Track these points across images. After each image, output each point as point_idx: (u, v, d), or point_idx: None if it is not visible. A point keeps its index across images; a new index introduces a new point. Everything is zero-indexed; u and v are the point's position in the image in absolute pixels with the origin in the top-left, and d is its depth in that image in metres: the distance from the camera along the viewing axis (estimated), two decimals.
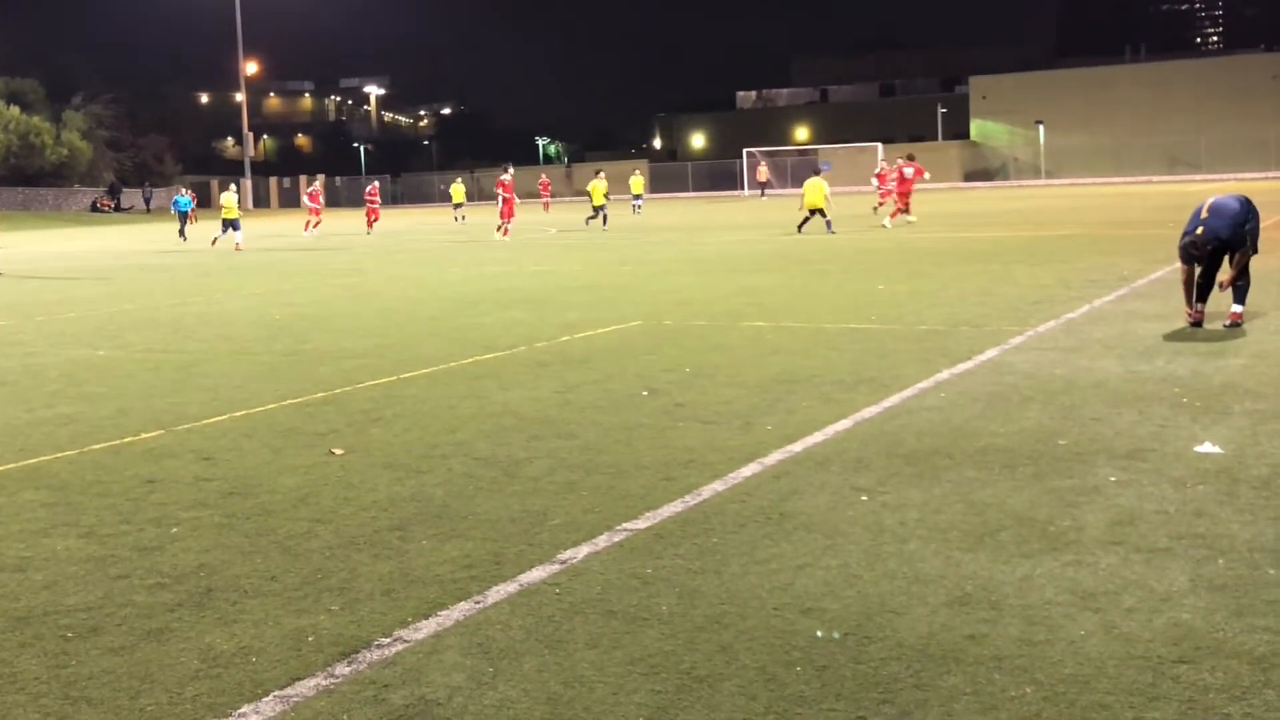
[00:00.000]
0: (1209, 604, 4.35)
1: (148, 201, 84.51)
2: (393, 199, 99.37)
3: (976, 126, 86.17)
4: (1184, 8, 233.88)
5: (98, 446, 7.77)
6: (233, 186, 37.31)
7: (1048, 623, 4.24)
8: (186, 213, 41.20)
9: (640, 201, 50.53)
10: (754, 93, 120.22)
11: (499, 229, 33.39)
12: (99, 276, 25.67)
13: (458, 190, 51.15)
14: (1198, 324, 10.75)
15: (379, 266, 24.99)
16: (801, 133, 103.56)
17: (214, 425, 8.35)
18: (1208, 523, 5.26)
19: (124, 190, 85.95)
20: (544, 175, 46.48)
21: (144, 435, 8.07)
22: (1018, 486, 5.94)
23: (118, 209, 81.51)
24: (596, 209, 38.44)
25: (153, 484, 6.72)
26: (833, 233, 27.83)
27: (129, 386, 10.25)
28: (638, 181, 52.41)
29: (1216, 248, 10.55)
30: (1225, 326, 10.67)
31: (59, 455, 7.55)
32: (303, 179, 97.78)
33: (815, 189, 28.77)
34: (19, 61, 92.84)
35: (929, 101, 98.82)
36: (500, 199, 34.32)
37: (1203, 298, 10.83)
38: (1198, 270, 10.75)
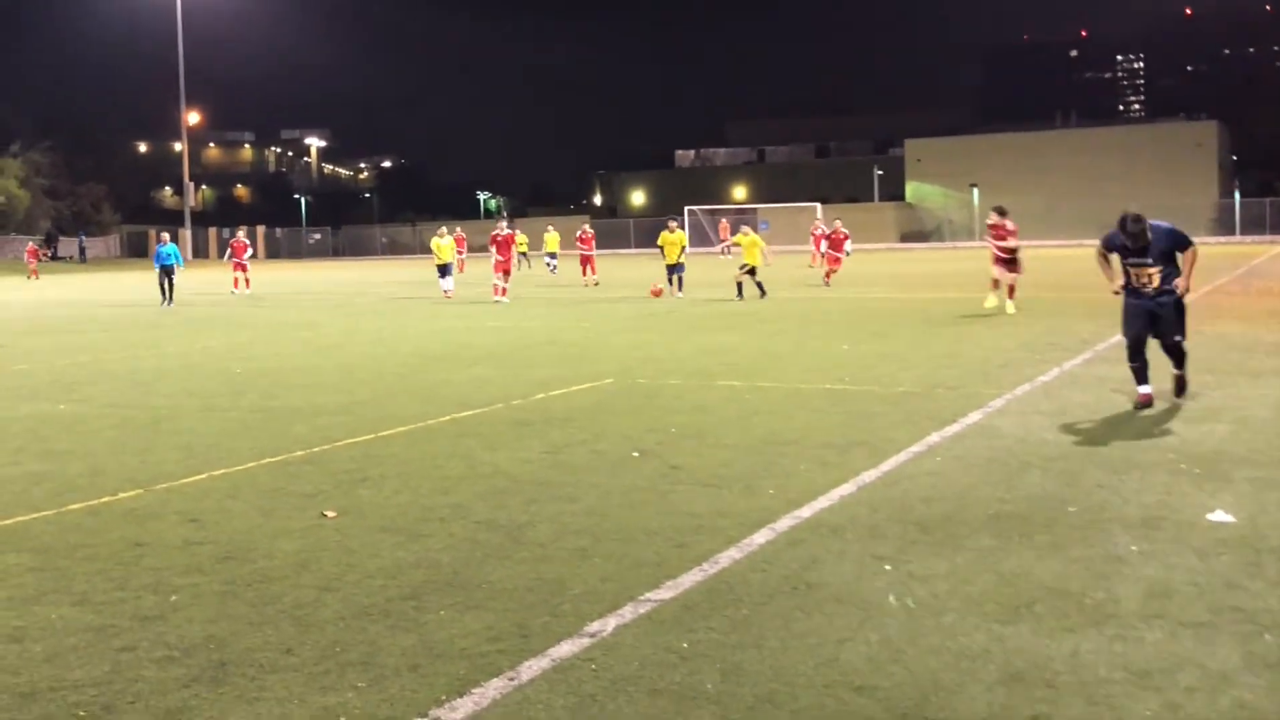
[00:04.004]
0: (1269, 683, 4.22)
1: (82, 251, 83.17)
2: (333, 251, 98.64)
3: (912, 189, 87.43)
4: (1106, 76, 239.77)
5: (75, 506, 7.42)
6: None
7: (1109, 702, 4.09)
8: (172, 266, 31.23)
9: (555, 261, 44.54)
10: (692, 152, 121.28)
11: (499, 289, 28.49)
12: (44, 328, 25.05)
13: (552, 239, 45.04)
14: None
15: (331, 320, 24.61)
16: (739, 191, 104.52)
17: (194, 485, 8.03)
18: (1242, 596, 5.16)
19: (60, 239, 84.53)
20: (587, 226, 39.20)
21: (122, 495, 7.73)
22: (1041, 556, 5.81)
23: (54, 258, 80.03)
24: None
25: (141, 547, 6.40)
26: (755, 296, 25.91)
27: (97, 443, 9.87)
28: (553, 238, 45.57)
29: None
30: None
31: (36, 515, 7.20)
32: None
33: (752, 245, 26.78)
34: None
35: (864, 163, 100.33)
36: (494, 256, 29.26)
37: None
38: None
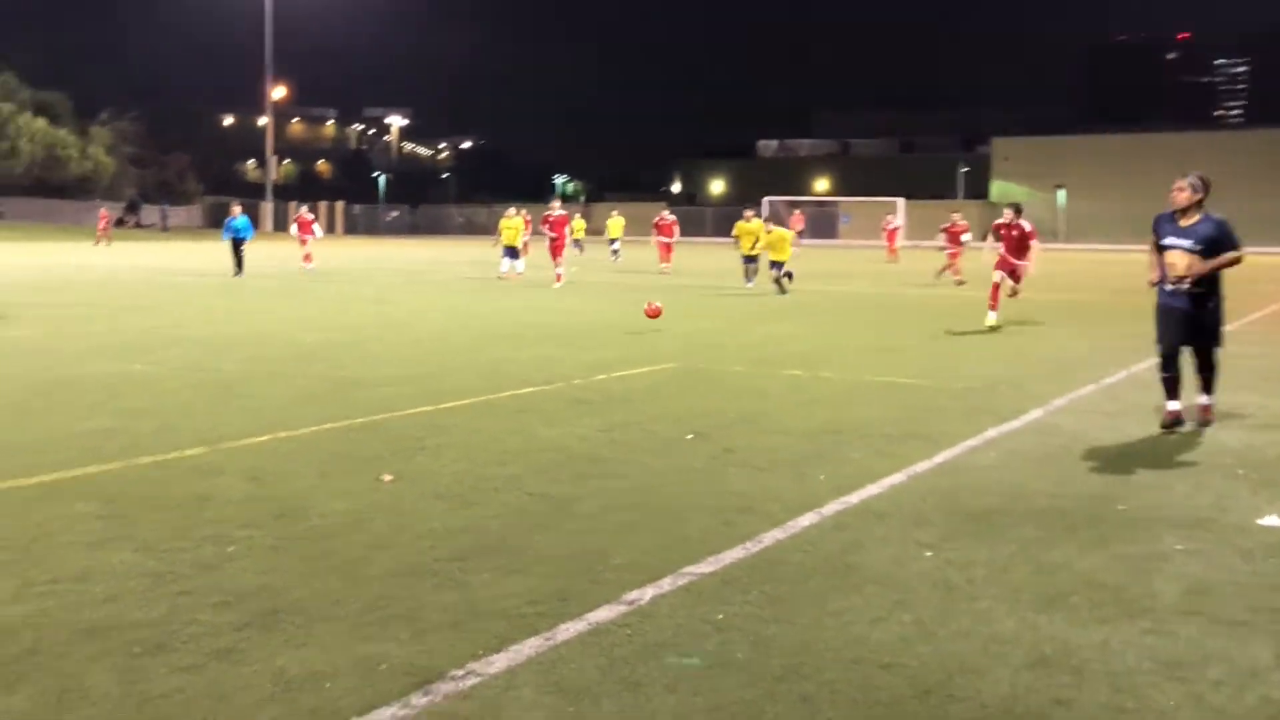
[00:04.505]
0: None
1: (165, 219, 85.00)
2: (409, 229, 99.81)
3: (997, 187, 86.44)
4: (1205, 80, 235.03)
5: (144, 460, 7.73)
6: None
7: (1134, 691, 4.17)
8: (242, 238, 31.57)
9: (618, 246, 43.59)
10: (775, 142, 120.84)
11: (560, 274, 28.28)
12: (122, 292, 25.75)
13: (616, 224, 44.31)
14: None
15: (402, 296, 25.02)
16: (822, 184, 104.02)
17: (258, 445, 8.31)
18: None
19: (143, 207, 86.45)
20: (666, 212, 37.99)
21: (189, 451, 8.03)
22: (1083, 550, 5.87)
23: (137, 225, 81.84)
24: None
25: (204, 501, 6.68)
26: (784, 292, 24.96)
27: (169, 403, 10.22)
28: (616, 224, 44.60)
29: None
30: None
31: (106, 468, 7.51)
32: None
33: (783, 238, 26.04)
34: (47, 74, 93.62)
35: (949, 160, 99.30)
36: (549, 237, 29.12)
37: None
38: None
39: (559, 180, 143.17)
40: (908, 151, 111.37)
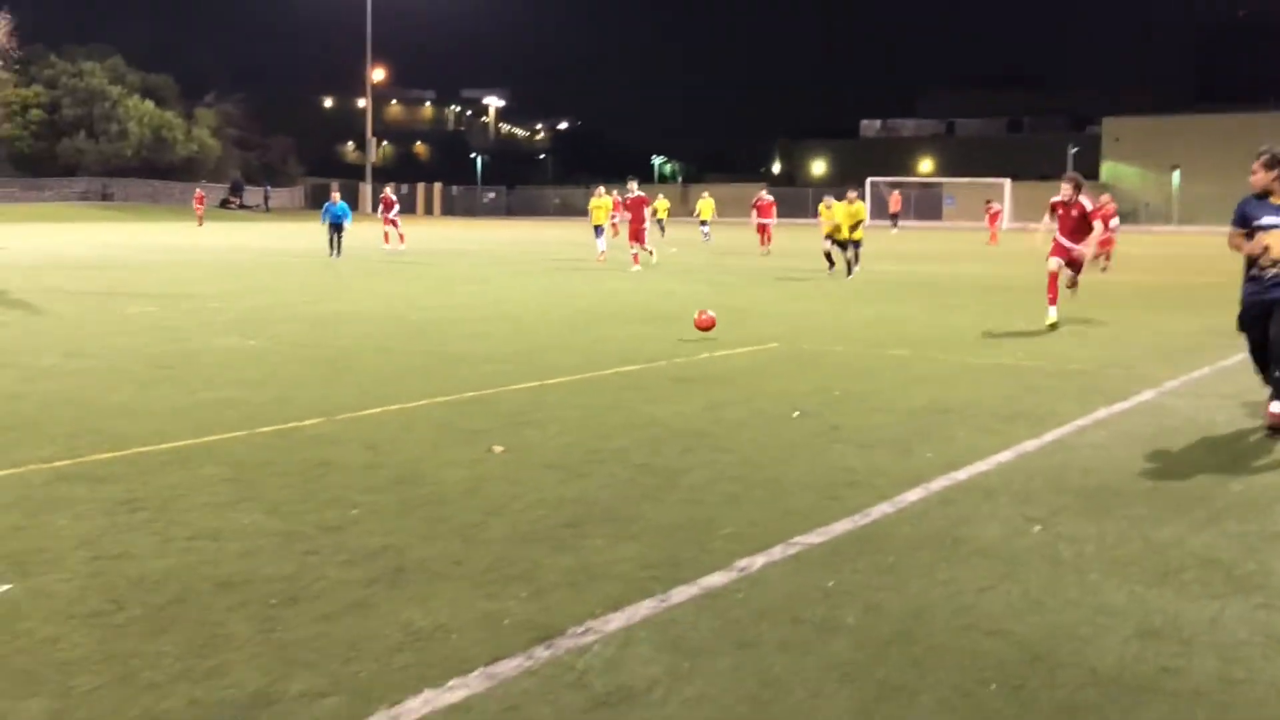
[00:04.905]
0: None
1: (267, 200, 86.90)
2: (506, 210, 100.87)
3: (1108, 168, 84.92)
4: None
5: (265, 429, 8.09)
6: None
7: (1245, 662, 4.25)
8: (341, 223, 31.99)
9: (708, 228, 43.75)
10: (878, 122, 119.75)
11: (636, 255, 27.79)
12: (231, 271, 26.52)
13: (706, 205, 44.14)
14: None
15: (500, 276, 25.43)
16: (925, 164, 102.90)
17: (372, 416, 8.63)
18: None
19: (246, 189, 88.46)
20: (765, 192, 37.34)
21: (307, 421, 8.38)
22: (1195, 528, 5.92)
23: (241, 207, 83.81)
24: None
25: (324, 467, 6.99)
26: (850, 275, 24.62)
27: (283, 375, 10.62)
28: (707, 205, 44.21)
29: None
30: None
31: (230, 435, 7.88)
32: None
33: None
34: (154, 57, 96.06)
35: (1058, 140, 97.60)
36: (625, 218, 29.40)
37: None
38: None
39: (657, 161, 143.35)
40: (1015, 131, 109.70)
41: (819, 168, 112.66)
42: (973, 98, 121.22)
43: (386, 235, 36.66)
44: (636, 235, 27.68)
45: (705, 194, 47.05)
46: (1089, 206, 15.33)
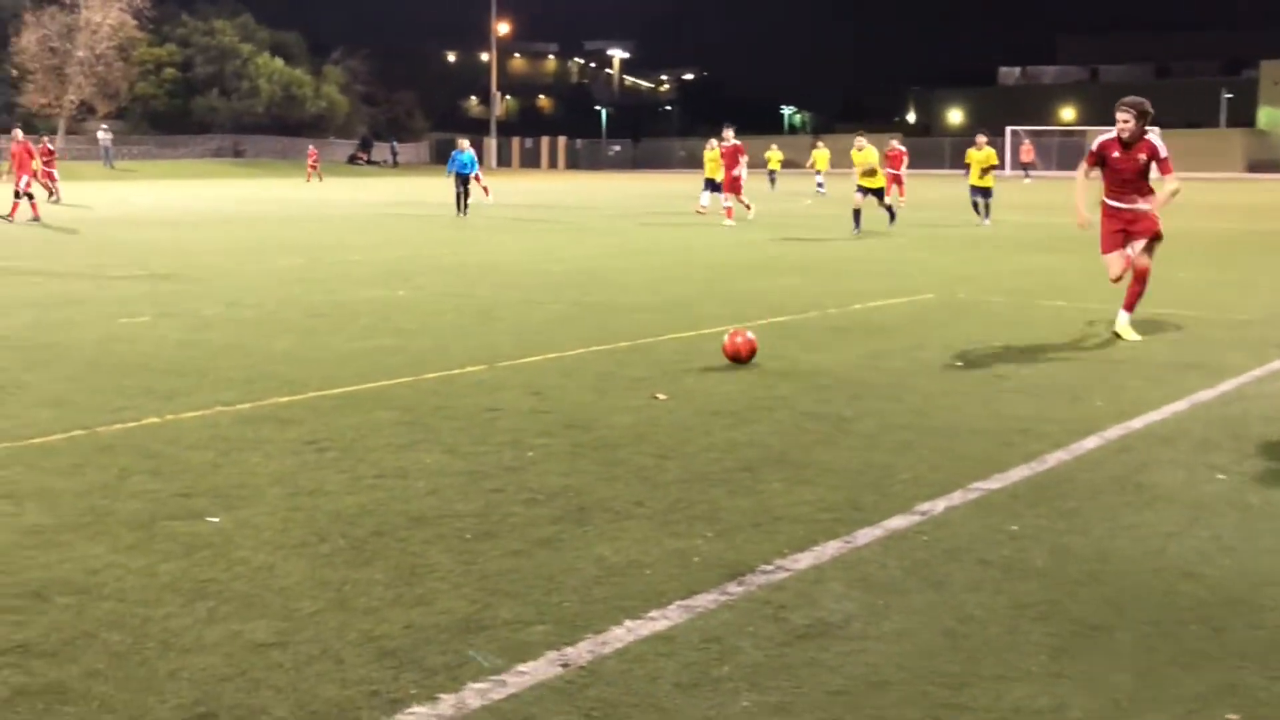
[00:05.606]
0: None
1: (394, 156, 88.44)
2: (632, 163, 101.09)
3: (1265, 114, 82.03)
4: None
5: (430, 376, 8.38)
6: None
7: None
8: (468, 175, 30.29)
9: (822, 179, 42.66)
10: (1017, 69, 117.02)
11: (730, 208, 26.42)
12: (368, 224, 27.17)
13: (822, 157, 43.14)
14: None
15: (633, 228, 25.62)
16: (1068, 113, 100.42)
17: (531, 364, 8.88)
18: None
19: (374, 144, 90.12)
20: (895, 141, 34.94)
21: (469, 368, 8.65)
22: None
23: (369, 162, 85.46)
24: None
25: (493, 412, 7.23)
26: (890, 226, 23.49)
27: (437, 324, 10.95)
28: (822, 156, 43.14)
29: None
30: None
31: (396, 381, 8.18)
32: (544, 140, 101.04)
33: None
34: (281, 14, 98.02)
35: (1210, 85, 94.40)
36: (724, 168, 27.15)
37: None
38: None
39: (786, 112, 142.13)
40: (1163, 77, 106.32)
41: (955, 117, 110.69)
42: (1116, 42, 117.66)
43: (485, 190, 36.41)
44: (731, 186, 26.45)
45: (819, 144, 46.52)
46: (1161, 149, 10.15)
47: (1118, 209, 10.22)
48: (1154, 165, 10.08)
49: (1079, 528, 5.09)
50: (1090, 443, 6.52)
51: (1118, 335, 10.04)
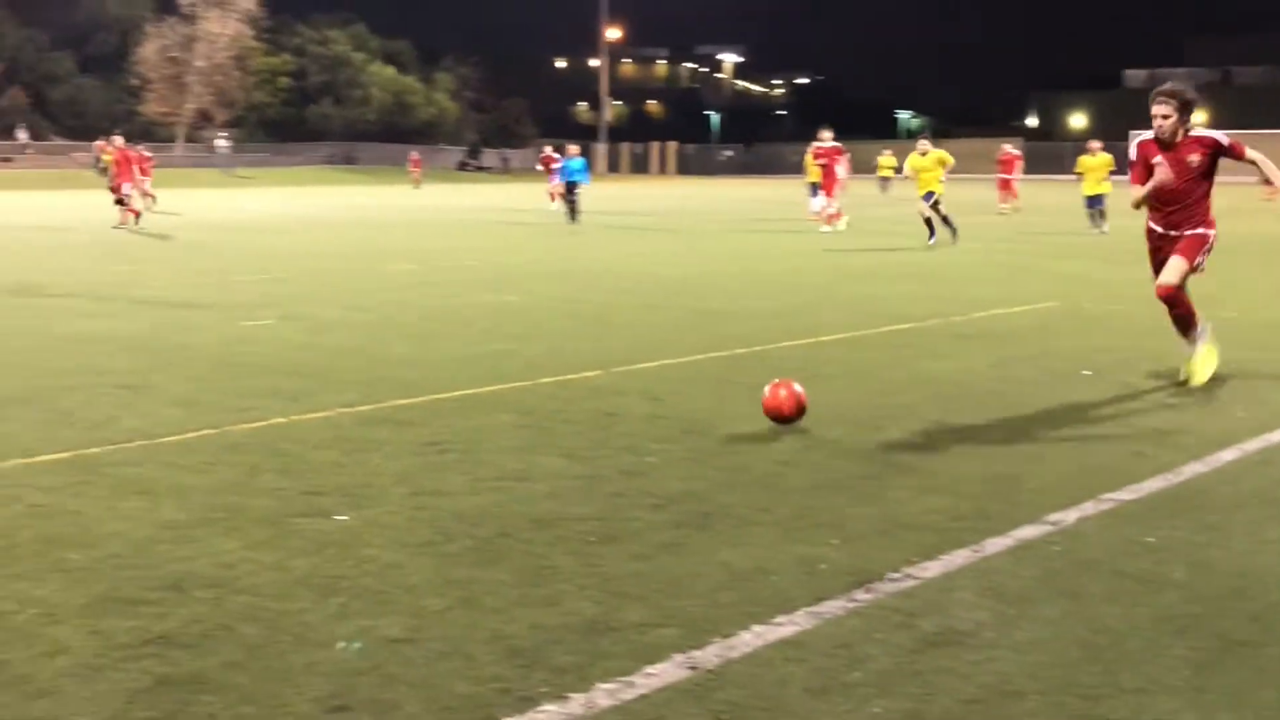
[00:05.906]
0: None
1: (505, 162, 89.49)
2: (744, 169, 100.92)
3: None
4: None
5: (545, 380, 8.48)
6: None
7: None
8: (576, 182, 29.37)
9: (888, 183, 43.98)
10: (1144, 71, 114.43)
11: (825, 215, 26.23)
12: (479, 230, 27.54)
13: (886, 162, 44.79)
14: None
15: (746, 235, 25.59)
16: (1198, 116, 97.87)
17: (648, 370, 8.93)
18: None
19: (484, 151, 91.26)
20: (1009, 145, 35.32)
21: (585, 373, 8.74)
22: None
23: (479, 169, 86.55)
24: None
25: (611, 416, 7.30)
26: (935, 241, 21.47)
27: (551, 329, 11.07)
28: (887, 161, 44.52)
29: None
30: None
31: (513, 385, 8.30)
32: (654, 145, 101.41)
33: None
34: (393, 23, 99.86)
35: None
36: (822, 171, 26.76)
37: None
38: None
39: (902, 115, 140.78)
40: None
41: (1078, 120, 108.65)
42: (1248, 43, 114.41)
43: (552, 195, 35.30)
44: (827, 190, 26.09)
45: (887, 151, 47.55)
46: (1221, 137, 8.38)
47: (1161, 234, 8.48)
48: (1217, 161, 8.28)
49: (1220, 541, 4.98)
50: (1229, 455, 6.37)
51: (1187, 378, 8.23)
